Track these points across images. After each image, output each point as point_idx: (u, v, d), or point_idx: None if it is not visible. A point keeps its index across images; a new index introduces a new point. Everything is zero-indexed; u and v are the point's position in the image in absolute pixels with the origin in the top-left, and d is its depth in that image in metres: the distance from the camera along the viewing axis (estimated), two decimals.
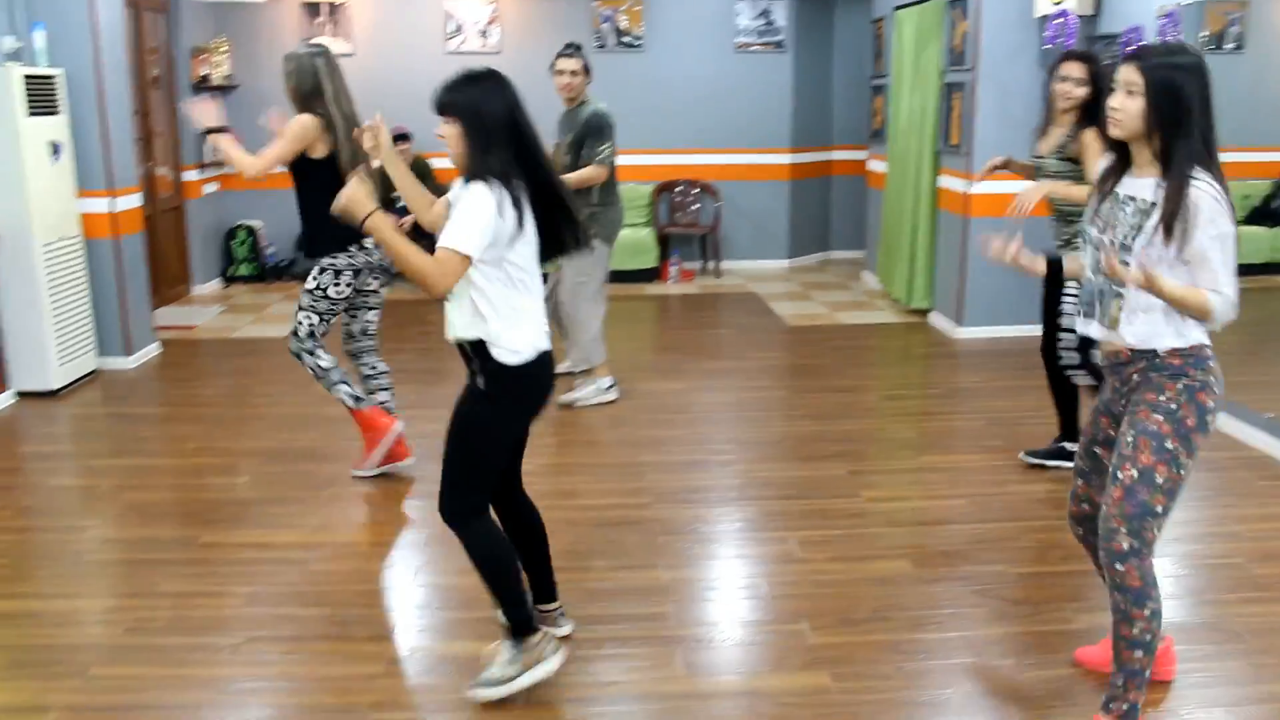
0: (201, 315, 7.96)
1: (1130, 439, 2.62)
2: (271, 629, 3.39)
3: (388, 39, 9.30)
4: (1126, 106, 2.53)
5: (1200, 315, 2.54)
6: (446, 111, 2.74)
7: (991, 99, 6.77)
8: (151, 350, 6.76)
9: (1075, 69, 4.12)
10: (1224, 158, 2.55)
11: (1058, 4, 6.31)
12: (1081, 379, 4.43)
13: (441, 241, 2.67)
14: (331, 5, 9.21)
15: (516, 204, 2.70)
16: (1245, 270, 2.58)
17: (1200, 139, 2.50)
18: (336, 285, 4.34)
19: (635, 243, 9.04)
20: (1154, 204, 2.53)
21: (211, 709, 2.95)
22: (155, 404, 5.77)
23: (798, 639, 3.28)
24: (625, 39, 9.41)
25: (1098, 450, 2.83)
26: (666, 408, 5.62)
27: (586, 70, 5.43)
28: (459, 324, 2.80)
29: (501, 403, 2.83)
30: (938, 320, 7.48)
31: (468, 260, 2.65)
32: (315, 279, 4.34)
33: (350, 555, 3.93)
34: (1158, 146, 2.54)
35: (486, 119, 2.72)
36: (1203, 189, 2.47)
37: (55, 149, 5.92)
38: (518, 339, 2.78)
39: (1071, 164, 4.17)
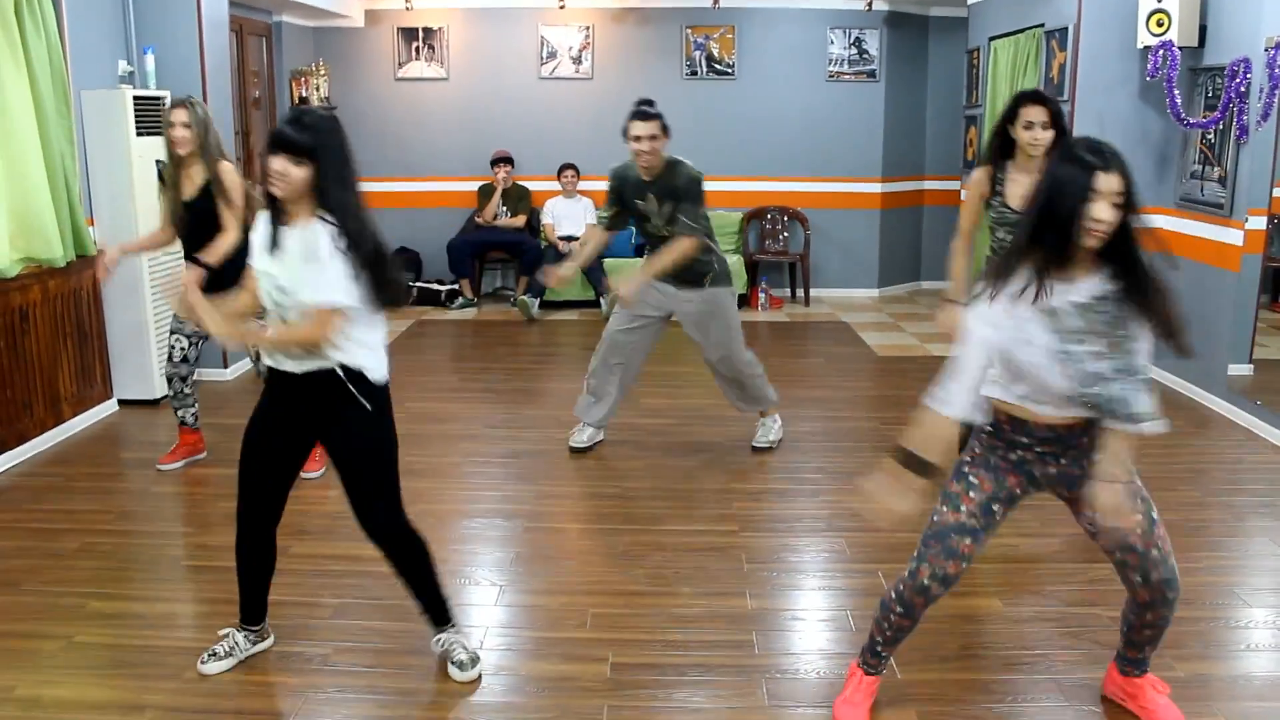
0: None
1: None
2: (359, 641, 3.44)
3: (482, 64, 9.46)
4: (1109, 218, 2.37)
5: None
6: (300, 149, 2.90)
7: (1090, 130, 6.63)
8: (246, 364, 6.93)
9: (1038, 113, 3.81)
10: None
11: (1160, 35, 6.18)
12: None
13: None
14: (427, 30, 9.41)
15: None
16: None
17: None
18: None
19: None
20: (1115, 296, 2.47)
21: (299, 718, 3.00)
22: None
23: (884, 674, 3.22)
24: (717, 66, 9.44)
25: (995, 508, 2.84)
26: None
27: (665, 130, 4.67)
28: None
29: (387, 414, 3.08)
30: None
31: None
32: None
33: None
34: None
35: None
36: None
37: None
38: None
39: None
